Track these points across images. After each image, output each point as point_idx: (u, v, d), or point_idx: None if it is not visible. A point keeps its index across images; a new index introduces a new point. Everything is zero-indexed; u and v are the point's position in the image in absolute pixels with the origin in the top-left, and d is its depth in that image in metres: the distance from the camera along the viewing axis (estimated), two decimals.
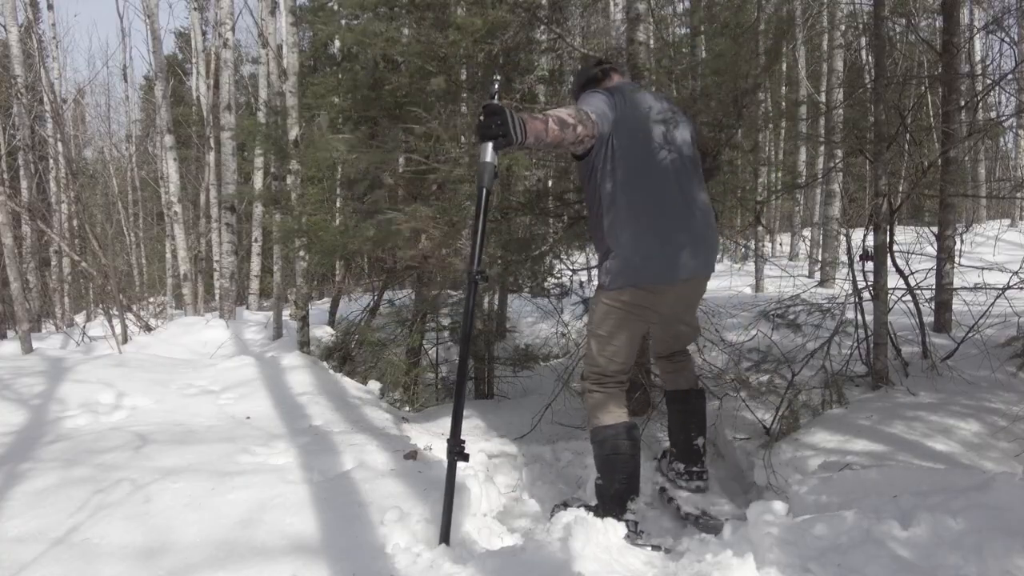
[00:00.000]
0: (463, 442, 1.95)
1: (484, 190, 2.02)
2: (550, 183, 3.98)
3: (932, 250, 3.67)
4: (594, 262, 4.08)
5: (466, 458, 1.95)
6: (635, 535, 2.18)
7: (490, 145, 2.00)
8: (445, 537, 1.88)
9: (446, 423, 3.30)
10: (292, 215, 4.26)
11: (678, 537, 2.26)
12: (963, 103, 3.78)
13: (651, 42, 3.55)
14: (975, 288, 3.42)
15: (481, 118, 1.96)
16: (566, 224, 3.50)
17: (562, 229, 3.52)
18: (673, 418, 2.58)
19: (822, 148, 8.72)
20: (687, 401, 2.55)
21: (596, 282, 2.43)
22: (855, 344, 3.34)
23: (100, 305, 7.34)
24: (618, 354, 2.34)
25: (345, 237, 3.50)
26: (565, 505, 2.46)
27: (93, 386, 3.29)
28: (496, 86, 2.11)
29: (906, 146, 3.68)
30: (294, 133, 4.56)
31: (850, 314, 3.32)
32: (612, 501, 2.27)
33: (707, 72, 3.15)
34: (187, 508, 2.00)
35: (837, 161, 6.09)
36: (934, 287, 3.63)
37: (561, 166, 3.78)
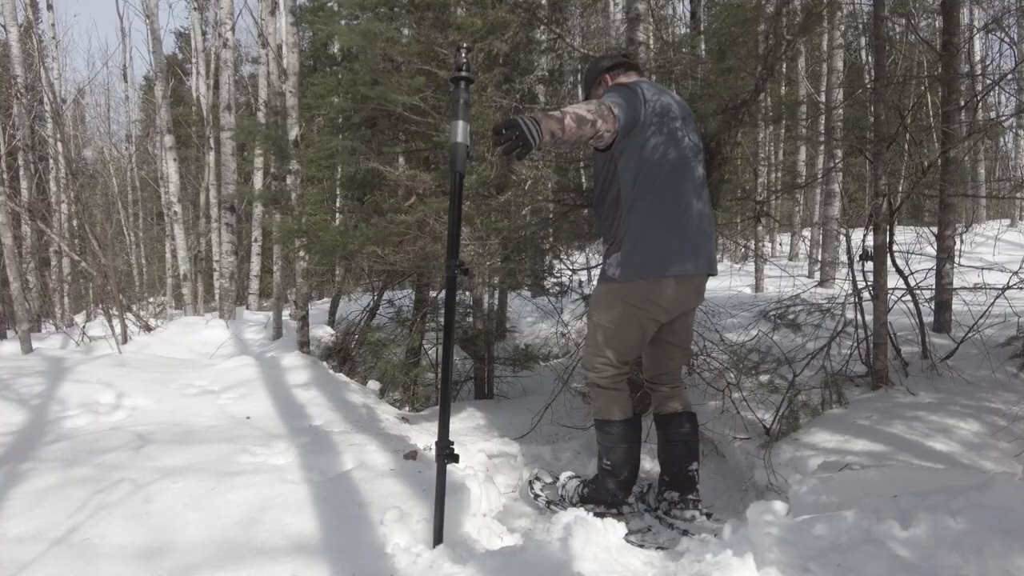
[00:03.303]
0: (452, 443, 1.94)
1: (458, 175, 1.91)
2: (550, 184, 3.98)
3: (932, 250, 3.67)
4: (594, 262, 4.08)
5: (456, 459, 1.93)
6: (620, 516, 2.32)
7: (460, 123, 1.89)
8: (438, 539, 1.86)
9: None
10: (292, 215, 4.27)
11: (678, 538, 2.26)
12: (963, 103, 3.78)
13: (651, 42, 3.54)
14: (975, 288, 3.42)
15: (493, 135, 1.89)
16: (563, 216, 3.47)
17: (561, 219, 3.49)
18: (663, 444, 2.46)
19: (822, 148, 8.72)
20: (679, 425, 2.42)
21: (602, 272, 2.39)
22: (855, 344, 3.34)
23: (100, 305, 7.34)
24: (625, 345, 2.33)
25: (345, 237, 3.50)
26: (537, 478, 2.63)
27: (93, 386, 3.29)
28: (464, 55, 1.93)
29: (906, 146, 3.68)
30: (294, 133, 4.57)
31: (850, 314, 3.32)
32: (619, 487, 2.40)
33: (712, 51, 3.13)
34: (187, 508, 2.00)
35: (837, 161, 6.09)
36: (934, 287, 3.63)
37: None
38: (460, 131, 1.90)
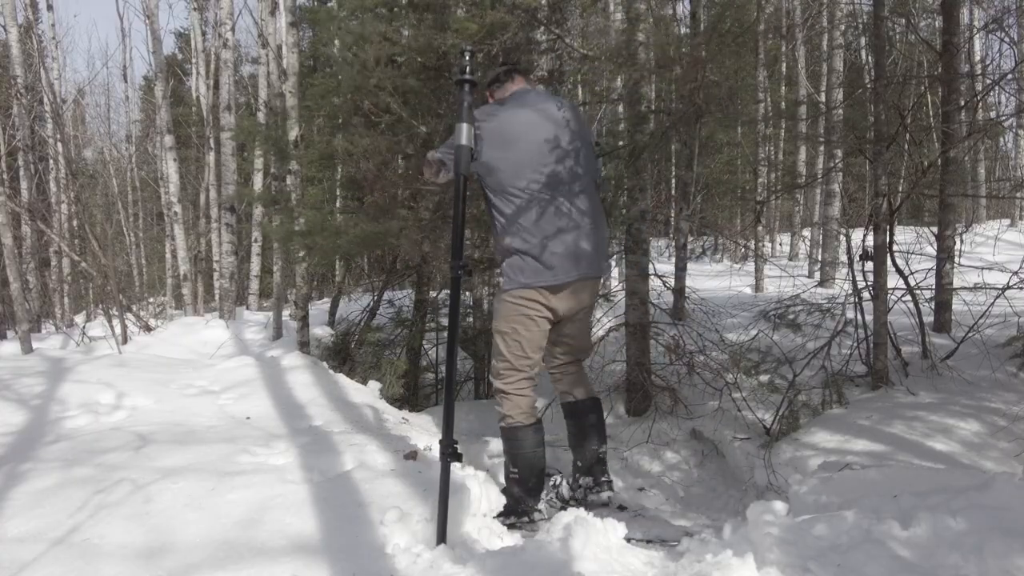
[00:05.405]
0: (456, 442, 1.94)
1: (461, 177, 1.96)
2: None
3: (932, 250, 3.68)
4: None
5: (459, 458, 1.94)
6: (533, 524, 2.32)
7: (464, 126, 1.95)
8: (442, 537, 1.87)
9: None
10: (291, 216, 4.26)
11: (676, 537, 2.26)
12: (963, 103, 3.78)
13: (651, 42, 3.55)
14: (975, 288, 3.43)
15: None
16: None
17: None
18: (575, 432, 2.56)
19: (822, 148, 8.73)
20: (585, 413, 2.54)
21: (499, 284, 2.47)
22: (855, 344, 3.35)
23: (100, 305, 7.33)
24: (523, 349, 2.36)
25: (344, 238, 3.50)
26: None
27: (93, 386, 3.29)
28: (467, 57, 2.00)
29: (906, 146, 3.69)
30: (294, 133, 4.56)
31: (850, 314, 3.32)
32: (528, 494, 2.38)
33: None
34: (187, 508, 2.00)
35: (837, 161, 6.09)
36: (934, 287, 3.63)
37: None
38: (464, 134, 1.96)
